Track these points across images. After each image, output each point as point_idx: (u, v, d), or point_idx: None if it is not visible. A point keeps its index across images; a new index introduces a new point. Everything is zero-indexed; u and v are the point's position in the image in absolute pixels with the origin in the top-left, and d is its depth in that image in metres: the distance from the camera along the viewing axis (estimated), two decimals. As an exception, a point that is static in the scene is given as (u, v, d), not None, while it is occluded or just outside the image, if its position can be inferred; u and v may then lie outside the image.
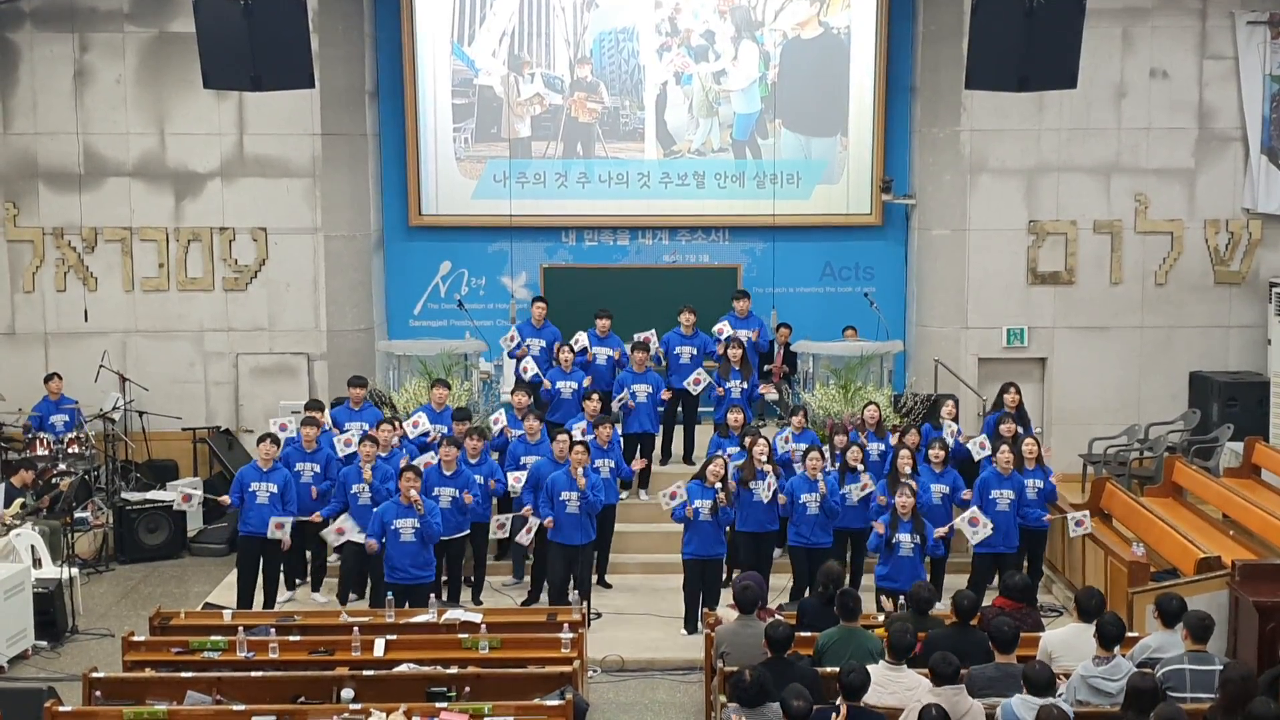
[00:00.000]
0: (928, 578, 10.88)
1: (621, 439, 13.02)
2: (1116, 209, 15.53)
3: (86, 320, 15.40)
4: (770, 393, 14.60)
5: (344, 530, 11.57)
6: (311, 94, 14.37)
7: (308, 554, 12.39)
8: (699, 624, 11.02)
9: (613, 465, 12.30)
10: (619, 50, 16.05)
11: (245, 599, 11.77)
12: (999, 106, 15.05)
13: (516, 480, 12.07)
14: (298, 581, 12.45)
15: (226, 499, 12.03)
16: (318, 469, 12.16)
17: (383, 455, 11.89)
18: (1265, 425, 14.87)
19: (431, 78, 15.99)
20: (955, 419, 12.88)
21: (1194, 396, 15.48)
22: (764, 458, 11.57)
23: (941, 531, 11.25)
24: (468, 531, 11.87)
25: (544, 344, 13.91)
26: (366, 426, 12.47)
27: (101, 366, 15.22)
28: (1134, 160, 15.47)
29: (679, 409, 13.87)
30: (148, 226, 15.59)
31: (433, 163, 16.11)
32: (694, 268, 16.25)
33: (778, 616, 9.15)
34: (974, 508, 11.43)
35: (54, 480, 13.72)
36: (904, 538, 10.86)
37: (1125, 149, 15.45)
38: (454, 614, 10.14)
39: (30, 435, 14.40)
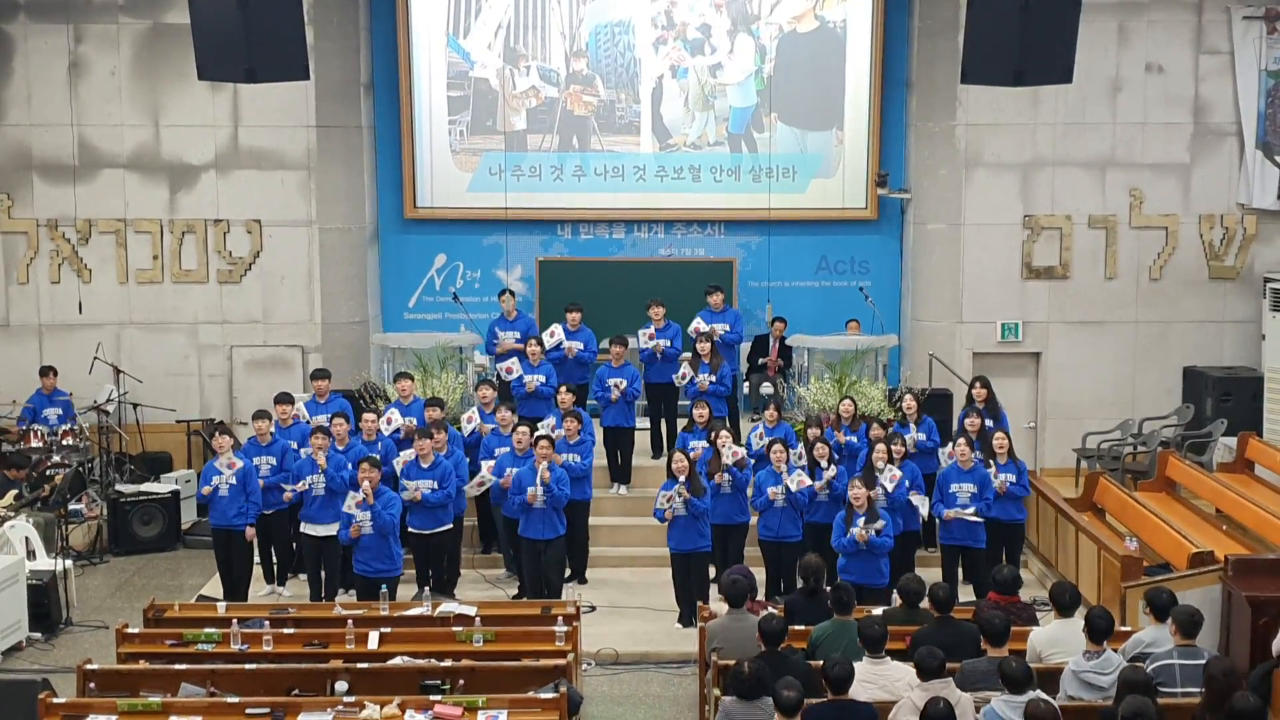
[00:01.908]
0: (888, 571, 10.83)
1: (600, 431, 13.02)
2: (1111, 204, 15.54)
3: (80, 312, 15.40)
4: (766, 386, 14.60)
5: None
6: (306, 86, 14.37)
7: (272, 550, 12.38)
8: (693, 618, 11.03)
9: (581, 461, 12.23)
10: (615, 43, 16.03)
11: (229, 590, 11.81)
12: (994, 101, 15.05)
13: (489, 469, 12.06)
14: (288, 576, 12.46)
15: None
16: (274, 462, 12.11)
17: (340, 448, 11.88)
18: (1259, 420, 14.90)
19: (427, 70, 15.97)
20: (919, 414, 12.68)
21: (1188, 391, 15.49)
22: (727, 450, 11.56)
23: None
24: (450, 525, 11.87)
25: (518, 336, 13.91)
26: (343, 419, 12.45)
27: (96, 359, 15.20)
28: (1129, 155, 15.47)
29: (661, 403, 13.86)
30: (142, 218, 15.57)
31: (428, 155, 16.09)
32: (689, 261, 16.23)
33: (769, 609, 9.16)
34: (974, 508, 11.37)
35: (48, 473, 13.72)
36: (858, 530, 10.77)
37: (1120, 144, 15.46)
38: (448, 607, 10.15)
39: (24, 427, 14.39)
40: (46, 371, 14.75)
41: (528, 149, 16.11)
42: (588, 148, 16.12)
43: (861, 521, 10.71)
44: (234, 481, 11.64)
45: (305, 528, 11.75)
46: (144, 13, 15.33)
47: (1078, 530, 12.13)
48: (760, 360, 15.04)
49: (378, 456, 11.49)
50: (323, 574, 11.78)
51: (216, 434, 11.88)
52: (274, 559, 12.37)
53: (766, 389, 14.65)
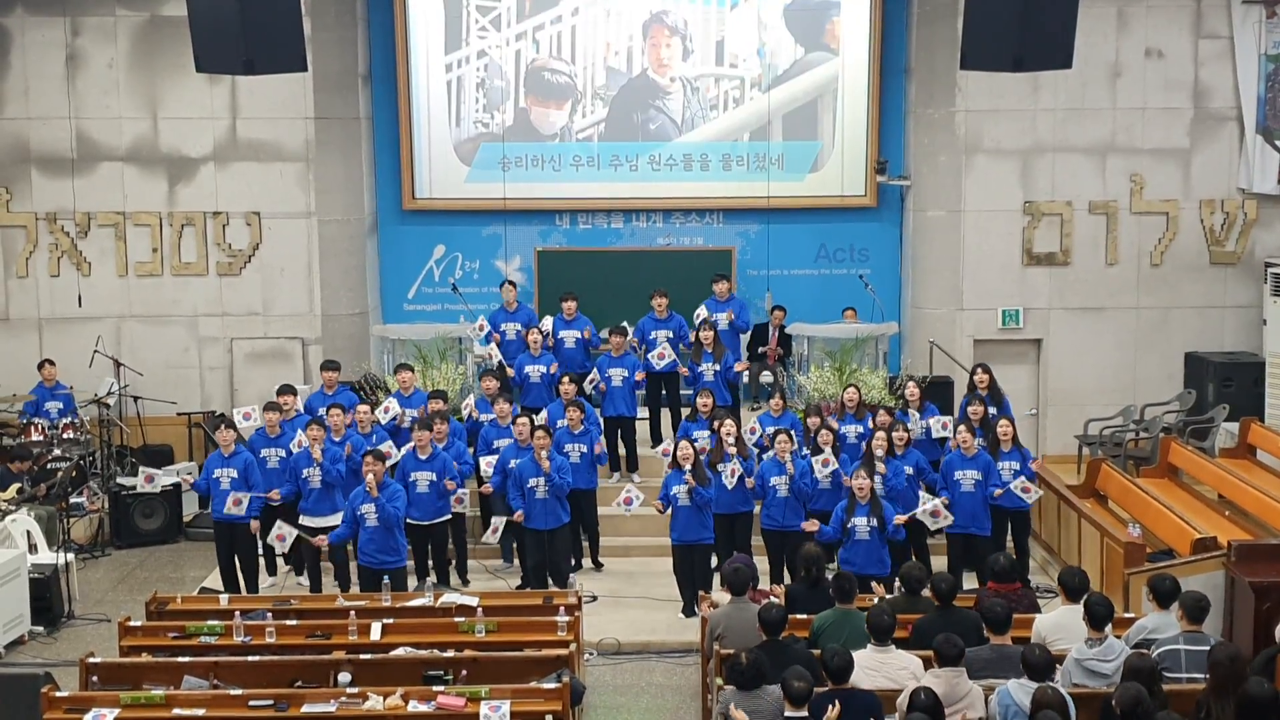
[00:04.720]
0: (889, 561, 10.78)
1: (601, 422, 13.01)
2: (1112, 189, 15.51)
3: (80, 305, 15.37)
4: (765, 375, 14.59)
5: (284, 536, 11.35)
6: (304, 78, 14.33)
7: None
8: (695, 607, 11.03)
9: (584, 450, 12.26)
10: (612, 32, 15.97)
11: (230, 583, 11.80)
12: (994, 87, 15.02)
13: (488, 465, 12.05)
14: (285, 567, 12.43)
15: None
16: (283, 454, 12.09)
17: (335, 439, 11.87)
18: (1261, 405, 14.88)
19: (424, 61, 15.93)
20: (922, 400, 12.65)
21: (1189, 377, 15.48)
22: (731, 440, 11.54)
23: (901, 519, 11.00)
24: (449, 516, 11.87)
25: (519, 327, 13.89)
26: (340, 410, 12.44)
27: (96, 352, 15.20)
28: (1129, 140, 15.44)
29: (662, 392, 13.85)
30: (141, 211, 15.55)
31: (426, 146, 16.07)
32: (688, 250, 16.20)
33: (771, 598, 9.16)
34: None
35: (49, 466, 13.71)
36: (859, 521, 10.68)
37: (1120, 129, 15.43)
38: (450, 598, 10.15)
39: (25, 421, 14.39)
40: (44, 363, 14.75)
41: (526, 139, 16.08)
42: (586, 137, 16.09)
43: (865, 516, 10.68)
44: (235, 475, 11.64)
45: (304, 520, 11.73)
46: (141, 5, 15.29)
47: (1080, 517, 12.12)
48: (760, 349, 15.03)
49: (382, 449, 11.48)
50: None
51: (222, 427, 11.87)
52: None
53: (766, 378, 14.64)
